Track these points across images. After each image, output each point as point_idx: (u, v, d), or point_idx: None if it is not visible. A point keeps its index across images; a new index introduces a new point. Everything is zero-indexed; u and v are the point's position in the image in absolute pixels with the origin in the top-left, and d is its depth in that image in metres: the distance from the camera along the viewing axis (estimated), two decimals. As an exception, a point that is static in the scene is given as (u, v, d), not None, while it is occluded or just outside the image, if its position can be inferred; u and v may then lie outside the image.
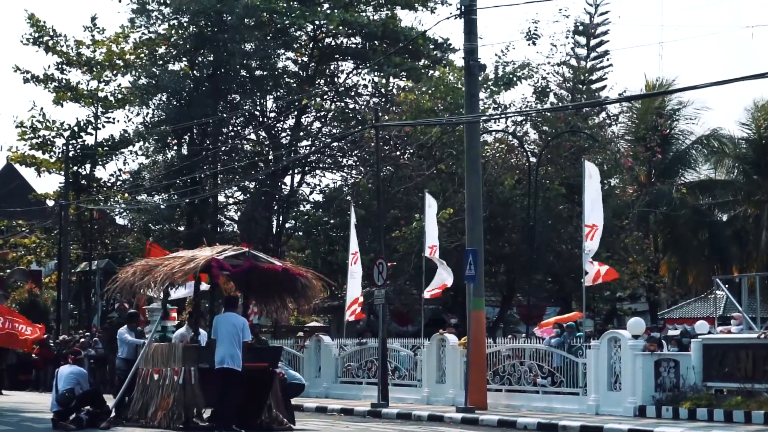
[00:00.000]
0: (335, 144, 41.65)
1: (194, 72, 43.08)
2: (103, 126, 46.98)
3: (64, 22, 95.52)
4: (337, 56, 43.68)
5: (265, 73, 42.08)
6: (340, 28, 39.96)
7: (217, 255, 18.60)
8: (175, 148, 44.22)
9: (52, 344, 34.92)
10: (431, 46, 41.12)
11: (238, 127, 44.35)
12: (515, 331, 37.11)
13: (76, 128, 46.44)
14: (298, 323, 47.00)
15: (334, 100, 42.99)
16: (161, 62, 43.41)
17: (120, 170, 46.60)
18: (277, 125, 43.69)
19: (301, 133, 43.08)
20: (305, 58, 43.62)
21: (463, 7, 24.52)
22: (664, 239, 47.89)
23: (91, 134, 46.72)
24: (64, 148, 45.63)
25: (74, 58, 45.98)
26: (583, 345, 23.11)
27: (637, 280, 41.23)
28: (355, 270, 27.86)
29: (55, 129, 46.58)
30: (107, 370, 29.90)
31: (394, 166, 36.18)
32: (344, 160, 42.48)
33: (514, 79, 37.57)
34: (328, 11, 40.38)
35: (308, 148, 43.16)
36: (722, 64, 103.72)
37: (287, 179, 42.93)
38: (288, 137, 43.20)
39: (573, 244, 34.06)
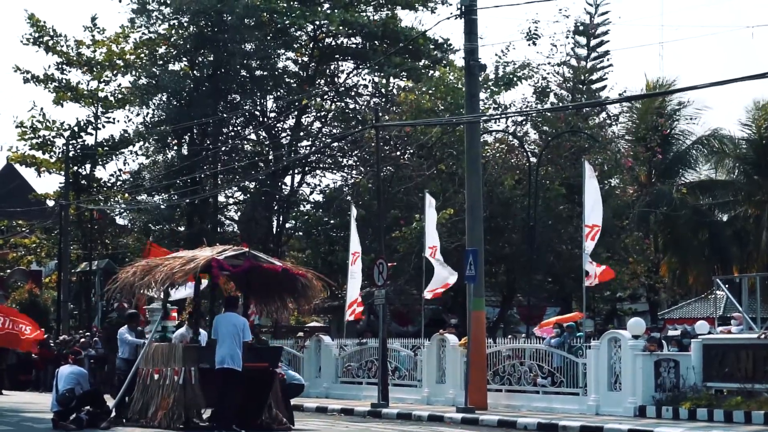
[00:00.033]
0: (335, 144, 41.65)
1: (194, 72, 43.08)
2: (103, 126, 47.01)
3: (64, 22, 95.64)
4: (338, 56, 43.69)
5: (265, 73, 42.08)
6: (341, 28, 39.96)
7: (218, 255, 18.60)
8: (176, 148, 44.23)
9: (52, 344, 34.91)
10: (431, 46, 41.13)
11: (239, 127, 44.36)
12: (515, 332, 37.10)
13: (76, 128, 46.44)
14: (298, 323, 47.02)
15: (335, 100, 42.99)
16: (161, 62, 43.41)
17: (120, 170, 46.64)
18: (278, 125, 43.70)
19: (302, 133, 43.09)
20: (305, 58, 43.62)
21: (463, 7, 24.52)
22: (665, 239, 47.89)
23: (91, 134, 46.75)
24: (64, 148, 45.63)
25: (74, 58, 45.97)
26: (583, 345, 23.12)
27: (637, 280, 41.22)
28: (355, 270, 27.87)
29: (55, 129, 46.59)
30: (106, 370, 29.86)
31: (395, 166, 36.18)
32: (344, 160, 42.48)
33: (515, 79, 37.58)
34: (329, 11, 40.37)
35: (308, 148, 43.17)
36: (722, 64, 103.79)
37: (287, 179, 42.94)
38: (288, 137, 43.20)
39: (573, 245, 34.07)
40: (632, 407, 21.41)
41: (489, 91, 37.03)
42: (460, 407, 22.74)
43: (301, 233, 42.86)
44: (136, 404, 18.81)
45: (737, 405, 20.12)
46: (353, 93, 43.07)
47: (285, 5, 40.18)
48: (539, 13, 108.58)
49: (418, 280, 29.82)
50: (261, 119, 43.47)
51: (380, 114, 32.15)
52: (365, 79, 42.97)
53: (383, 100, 40.96)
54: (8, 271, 51.65)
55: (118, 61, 45.38)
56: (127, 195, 45.83)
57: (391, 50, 39.44)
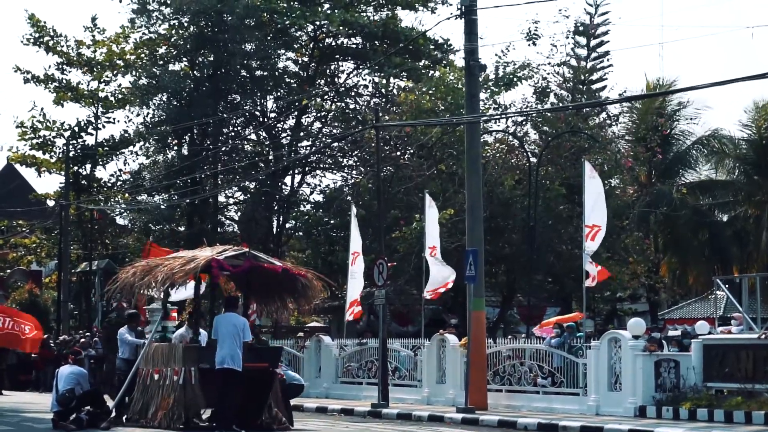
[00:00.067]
0: (335, 144, 41.65)
1: (194, 72, 43.08)
2: (104, 126, 47.02)
3: (65, 22, 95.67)
4: (338, 56, 43.69)
5: (265, 73, 42.08)
6: (341, 28, 39.95)
7: (218, 255, 18.60)
8: (176, 148, 44.24)
9: (52, 344, 34.91)
10: (431, 47, 41.12)
11: (239, 128, 44.36)
12: (515, 332, 37.10)
13: (76, 128, 46.44)
14: (298, 323, 47.02)
15: (335, 100, 42.99)
16: (161, 62, 43.41)
17: (120, 170, 46.64)
18: (278, 125, 43.70)
19: (302, 134, 43.09)
20: (305, 59, 43.63)
21: (463, 8, 24.52)
22: (665, 239, 47.91)
23: (92, 134, 46.76)
24: (65, 148, 45.63)
25: (74, 59, 45.97)
26: (584, 345, 23.11)
27: (637, 280, 41.23)
28: (355, 270, 27.87)
29: (56, 129, 46.59)
30: (104, 370, 29.84)
31: (395, 166, 36.18)
32: (344, 160, 42.48)
33: (515, 79, 37.58)
34: (329, 11, 40.37)
35: (308, 148, 43.18)
36: (723, 64, 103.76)
37: (287, 179, 42.95)
38: (288, 137, 43.20)
39: (573, 245, 34.07)
40: (632, 407, 21.41)
41: (489, 91, 37.03)
42: (461, 407, 22.74)
43: (301, 233, 42.87)
44: (136, 404, 18.81)
45: (737, 405, 20.12)
46: (353, 93, 43.07)
47: (285, 5, 40.18)
48: (539, 13, 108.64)
49: (418, 280, 29.82)
50: (261, 119, 43.48)
51: (380, 114, 32.14)
52: (365, 80, 43.02)
53: (383, 100, 40.96)
54: (8, 271, 51.65)
55: (118, 61, 45.38)
56: (127, 195, 45.83)
57: (391, 50, 39.44)
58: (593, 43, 46.05)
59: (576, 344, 23.63)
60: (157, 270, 18.79)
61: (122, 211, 46.97)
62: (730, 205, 48.62)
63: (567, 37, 42.08)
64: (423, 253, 28.13)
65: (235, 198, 45.69)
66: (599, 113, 40.89)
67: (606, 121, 41.10)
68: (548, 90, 39.44)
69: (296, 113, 42.32)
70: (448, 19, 25.50)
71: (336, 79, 43.83)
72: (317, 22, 41.22)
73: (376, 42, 41.66)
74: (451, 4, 40.80)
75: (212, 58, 42.05)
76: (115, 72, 45.86)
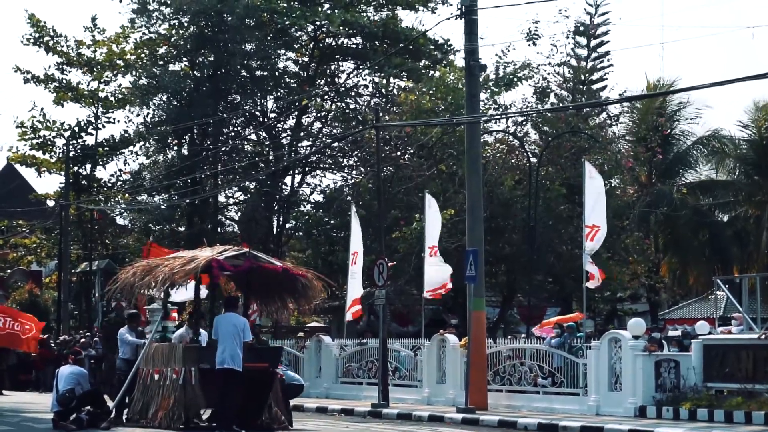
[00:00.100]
0: (336, 144, 41.64)
1: (195, 72, 43.08)
2: (104, 126, 47.04)
3: (65, 22, 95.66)
4: (338, 56, 43.69)
5: (265, 73, 42.08)
6: (341, 28, 39.94)
7: (218, 255, 18.59)
8: (176, 148, 44.24)
9: (52, 344, 34.92)
10: (431, 47, 41.10)
11: (239, 128, 44.36)
12: (515, 332, 37.10)
13: (76, 128, 46.45)
14: (298, 323, 47.01)
15: (335, 100, 42.98)
16: (162, 62, 43.40)
17: (120, 170, 46.65)
18: (278, 125, 43.70)
19: (302, 134, 43.09)
20: (306, 59, 43.62)
21: (463, 8, 24.52)
22: (665, 240, 47.91)
23: (92, 134, 46.77)
24: (65, 148, 45.64)
25: (74, 59, 45.97)
26: (584, 345, 23.11)
27: (637, 280, 41.27)
28: (355, 270, 27.87)
29: (56, 129, 46.60)
30: (103, 369, 29.79)
31: (395, 166, 36.17)
32: (345, 160, 42.47)
33: (515, 79, 37.58)
34: (329, 11, 40.36)
35: (309, 148, 43.17)
36: (723, 64, 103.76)
37: (288, 179, 42.95)
38: (288, 137, 43.20)
39: (573, 245, 34.06)
40: (632, 407, 21.41)
41: (489, 91, 37.03)
42: (461, 407, 22.74)
43: (301, 233, 42.86)
44: (136, 404, 18.80)
45: (738, 405, 20.12)
46: (353, 93, 43.07)
47: (285, 5, 40.18)
48: (539, 13, 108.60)
49: (418, 281, 29.81)
50: (261, 119, 43.47)
51: (380, 114, 32.14)
52: (365, 80, 43.02)
53: (383, 100, 40.96)
54: (8, 271, 51.67)
55: (118, 62, 45.39)
56: (127, 195, 45.83)
57: (391, 51, 39.44)
58: (593, 43, 46.04)
59: (576, 344, 23.63)
60: (158, 270, 18.79)
61: (122, 211, 46.98)
62: (731, 205, 48.63)
63: (567, 37, 42.21)
64: (423, 253, 28.12)
65: (235, 198, 45.73)
66: (599, 113, 40.90)
67: (606, 121, 41.12)
68: (548, 90, 39.47)
69: (296, 113, 42.31)
70: (449, 19, 25.55)
71: (336, 79, 43.84)
72: (317, 22, 41.21)
73: (377, 42, 41.66)
74: (451, 4, 40.85)
75: (212, 58, 42.04)
76: (115, 72, 45.87)
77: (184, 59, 43.39)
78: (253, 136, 44.81)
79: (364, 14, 41.35)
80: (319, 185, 43.43)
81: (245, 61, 41.43)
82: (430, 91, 35.98)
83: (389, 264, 25.65)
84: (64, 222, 43.20)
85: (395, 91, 40.82)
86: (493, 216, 33.57)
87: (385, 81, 41.91)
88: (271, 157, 42.98)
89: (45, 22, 45.68)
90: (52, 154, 46.74)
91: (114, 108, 46.62)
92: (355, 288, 27.87)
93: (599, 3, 45.51)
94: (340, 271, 33.71)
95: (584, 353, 22.80)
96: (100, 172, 47.12)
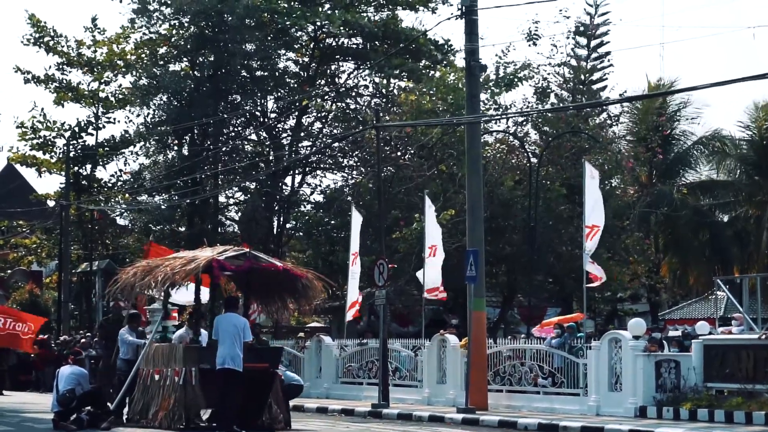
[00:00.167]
0: (336, 144, 41.65)
1: (195, 72, 43.08)
2: (104, 126, 47.05)
3: (65, 22, 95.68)
4: (338, 57, 43.69)
5: (265, 73, 42.08)
6: (341, 28, 39.93)
7: (218, 255, 18.59)
8: (176, 148, 44.23)
9: (52, 345, 34.92)
10: (431, 47, 41.08)
11: (239, 128, 44.36)
12: (516, 332, 37.10)
13: (76, 128, 46.46)
14: (298, 324, 47.01)
15: (335, 100, 42.98)
16: (162, 62, 43.40)
17: (121, 171, 46.65)
18: (278, 126, 43.70)
19: (302, 134, 43.09)
20: (306, 59, 43.62)
21: (464, 8, 24.53)
22: (665, 240, 47.92)
23: (92, 134, 46.78)
24: (65, 148, 45.64)
25: (75, 59, 45.97)
26: (584, 346, 23.10)
27: (638, 280, 41.27)
28: (355, 270, 27.87)
29: (56, 129, 46.60)
30: (99, 370, 29.61)
31: (395, 166, 36.17)
32: (345, 160, 42.47)
33: (515, 80, 37.59)
34: (329, 12, 40.36)
35: (309, 148, 43.17)
36: (723, 64, 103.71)
37: (288, 180, 42.95)
38: (289, 138, 43.20)
39: (574, 245, 34.06)
40: (633, 408, 21.40)
41: (490, 91, 37.03)
42: (461, 408, 22.74)
43: (301, 234, 42.85)
44: (136, 405, 18.81)
45: (738, 405, 20.12)
46: (354, 93, 43.07)
47: (286, 6, 40.17)
48: (539, 13, 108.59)
49: (418, 281, 29.79)
50: (261, 120, 43.47)
51: (381, 114, 32.13)
52: (366, 80, 43.01)
53: (384, 100, 40.96)
54: (9, 271, 51.69)
55: (118, 62, 45.40)
56: (127, 195, 45.82)
57: (391, 51, 39.43)
58: (593, 43, 46.04)
59: (576, 344, 23.61)
60: (158, 270, 18.79)
61: (122, 211, 46.98)
62: (731, 205, 48.63)
63: (567, 38, 42.30)
64: (423, 253, 28.12)
65: (235, 198, 45.73)
66: (600, 113, 40.92)
67: (606, 122, 41.14)
68: (549, 90, 39.50)
69: (297, 113, 42.31)
70: (449, 19, 25.55)
71: (336, 80, 43.84)
72: (318, 23, 41.20)
73: (377, 42, 41.66)
74: (451, 4, 40.84)
75: (213, 59, 42.03)
76: (115, 72, 45.88)
77: (185, 59, 43.39)
78: (254, 137, 44.83)
79: (365, 14, 41.35)
80: (320, 185, 43.51)
81: (245, 62, 41.43)
82: (431, 92, 35.99)
83: (389, 265, 25.65)
84: (65, 222, 43.21)
85: (395, 91, 40.82)
86: (494, 216, 33.57)
87: (385, 81, 41.91)
88: (271, 158, 42.98)
89: (45, 23, 45.71)
90: (53, 154, 46.75)
91: (114, 108, 46.64)
92: (355, 288, 27.87)
93: (599, 3, 45.52)
94: (341, 271, 33.70)
95: (584, 353, 22.79)
96: (101, 173, 47.21)
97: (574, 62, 44.80)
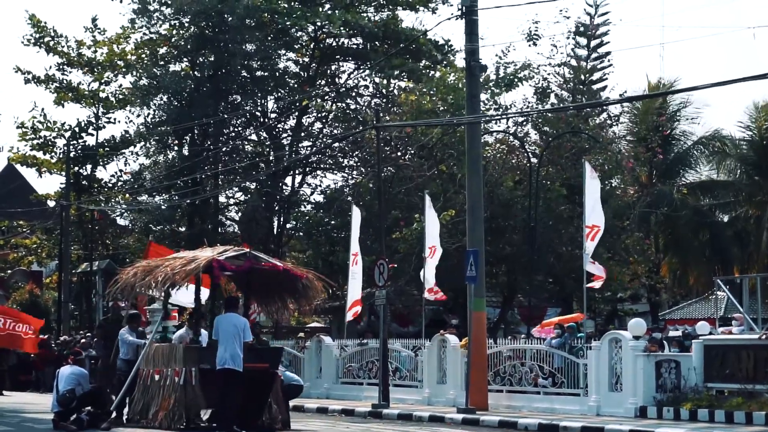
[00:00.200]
0: (336, 145, 41.65)
1: (195, 72, 43.07)
2: (104, 126, 47.05)
3: (65, 22, 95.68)
4: (338, 57, 43.70)
5: (266, 73, 42.07)
6: (341, 29, 39.93)
7: (218, 255, 18.59)
8: (176, 148, 44.23)
9: (53, 345, 34.91)
10: (431, 47, 41.06)
11: (239, 128, 44.35)
12: (516, 332, 37.11)
13: (77, 129, 46.46)
14: (299, 324, 47.01)
15: (335, 100, 42.98)
16: (162, 63, 43.40)
17: (121, 171, 46.65)
18: (278, 126, 43.70)
19: (302, 134, 43.09)
20: (306, 59, 43.62)
21: (464, 8, 24.53)
22: (665, 240, 47.92)
23: (92, 135, 46.78)
24: (65, 148, 45.64)
25: (75, 59, 45.97)
26: (584, 346, 23.10)
27: (638, 280, 41.26)
28: (355, 271, 27.87)
29: (56, 129, 46.61)
30: (97, 372, 29.59)
31: (395, 166, 36.17)
32: (345, 160, 42.48)
33: (515, 80, 37.59)
34: (330, 12, 40.36)
35: (309, 148, 43.18)
36: (723, 64, 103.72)
37: (288, 180, 42.95)
38: (289, 138, 43.20)
39: (574, 245, 34.07)
40: (633, 408, 21.40)
41: (490, 91, 37.04)
42: (461, 408, 22.74)
43: (301, 234, 42.86)
44: (136, 405, 18.80)
45: (738, 406, 20.12)
46: (354, 94, 43.08)
47: (286, 6, 40.18)
48: (539, 13, 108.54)
49: (418, 281, 29.80)
50: (262, 120, 43.47)
51: (381, 115, 32.14)
52: (366, 80, 43.00)
53: (384, 100, 40.96)
54: (9, 271, 51.68)
55: (118, 62, 45.40)
56: (127, 195, 45.82)
57: (391, 51, 39.43)
58: (593, 43, 46.05)
59: (577, 345, 23.60)
60: (158, 270, 18.79)
61: (123, 211, 46.98)
62: (731, 205, 48.63)
63: (567, 38, 42.37)
64: (423, 253, 28.13)
65: (235, 198, 45.72)
66: (600, 114, 40.93)
67: (607, 122, 41.15)
68: (549, 90, 39.51)
69: (297, 114, 42.32)
70: (449, 19, 25.52)
71: (336, 80, 43.85)
72: (318, 23, 41.20)
73: (377, 42, 41.67)
74: (451, 5, 40.86)
75: (213, 59, 42.02)
76: (115, 72, 45.89)
77: (185, 59, 43.38)
78: (254, 137, 44.82)
79: (365, 15, 41.36)
80: (320, 186, 43.51)
81: (246, 62, 41.42)
82: (431, 92, 35.99)
83: (390, 265, 25.66)
84: (65, 222, 43.21)
85: (396, 91, 40.83)
86: (494, 216, 33.58)
87: (385, 81, 41.91)
88: (271, 158, 42.98)
89: (45, 23, 45.71)
90: (53, 154, 46.75)
91: (114, 108, 46.65)
92: (355, 288, 27.88)
93: (599, 3, 45.54)
94: (341, 271, 33.71)
95: (585, 353, 22.79)
96: (101, 173, 47.21)
97: (574, 62, 44.83)
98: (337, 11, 39.96)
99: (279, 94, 43.05)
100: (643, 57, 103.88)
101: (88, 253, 46.04)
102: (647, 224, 43.88)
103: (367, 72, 42.09)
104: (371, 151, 35.80)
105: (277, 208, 42.35)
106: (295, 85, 42.41)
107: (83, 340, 33.93)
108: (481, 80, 28.95)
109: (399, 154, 37.10)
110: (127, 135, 45.57)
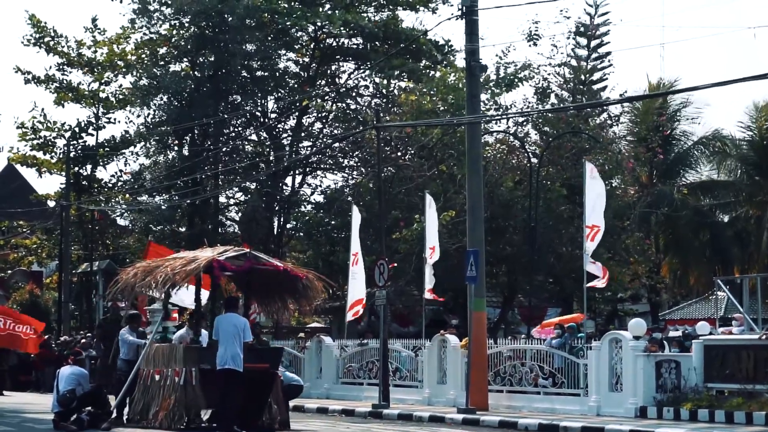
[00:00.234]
0: (336, 145, 41.64)
1: (195, 72, 43.06)
2: (104, 127, 47.07)
3: (65, 22, 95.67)
4: (339, 57, 43.70)
5: (266, 73, 42.06)
6: (342, 29, 39.92)
7: (219, 256, 18.59)
8: (176, 148, 44.22)
9: (53, 345, 34.92)
10: (431, 47, 41.05)
11: (239, 128, 44.35)
12: (516, 332, 37.11)
13: (77, 129, 46.47)
14: (299, 324, 47.01)
15: (335, 100, 42.98)
16: (162, 63, 43.39)
17: (121, 171, 46.66)
18: (278, 126, 43.69)
19: (302, 134, 43.08)
20: (306, 59, 43.62)
21: (464, 8, 24.53)
22: (666, 240, 47.92)
23: (92, 135, 46.79)
24: (65, 148, 45.65)
25: (75, 59, 45.98)
26: (585, 346, 23.10)
27: (638, 281, 41.26)
28: (356, 271, 27.87)
29: (56, 130, 46.61)
30: (97, 370, 29.58)
31: (395, 167, 36.17)
32: (345, 160, 42.48)
33: (516, 80, 37.59)
34: (330, 12, 40.36)
35: (309, 148, 43.18)
36: (724, 64, 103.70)
37: (288, 180, 42.94)
38: (289, 138, 43.20)
39: (574, 245, 34.07)
40: (633, 408, 21.40)
41: (490, 92, 37.03)
42: (461, 408, 22.74)
43: (302, 234, 42.86)
44: (137, 405, 18.81)
45: (738, 406, 20.12)
46: (354, 94, 43.08)
47: (286, 6, 40.17)
48: (540, 14, 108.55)
49: (418, 281, 29.81)
50: (262, 120, 43.46)
51: (381, 115, 32.14)
52: (366, 80, 43.00)
53: (384, 100, 40.95)
54: (9, 271, 51.67)
55: (119, 62, 45.40)
56: (128, 196, 45.82)
57: (392, 51, 39.42)
58: (594, 43, 46.03)
59: (577, 345, 23.60)
60: (158, 271, 18.78)
61: (123, 211, 46.99)
62: (731, 205, 48.63)
63: (567, 38, 42.39)
64: (423, 254, 28.13)
65: (235, 199, 45.71)
66: (600, 114, 40.92)
67: (607, 122, 41.14)
68: (549, 90, 39.51)
69: (297, 114, 42.31)
70: (449, 19, 25.52)
71: (337, 80, 43.85)
72: (318, 23, 41.19)
73: (377, 43, 41.66)
74: (452, 5, 40.83)
75: (213, 59, 42.01)
76: (115, 72, 45.89)
77: (185, 60, 43.37)
78: (254, 137, 44.80)
79: (365, 15, 41.35)
80: (320, 186, 43.51)
81: (246, 62, 41.41)
82: (431, 92, 35.99)
83: (390, 265, 25.65)
84: (65, 222, 43.21)
85: (396, 91, 40.82)
86: (494, 216, 33.57)
87: (385, 81, 41.90)
88: (271, 158, 42.98)
89: (45, 23, 45.72)
90: (53, 154, 46.76)
91: (114, 108, 46.65)
92: (356, 288, 27.87)
93: (599, 3, 45.52)
94: (341, 271, 33.70)
95: (585, 354, 22.79)
96: (101, 173, 47.22)
97: (574, 62, 44.82)
98: (337, 11, 39.96)
99: (279, 94, 43.05)
100: (643, 57, 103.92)
101: (88, 253, 46.04)
102: (647, 224, 43.88)
103: (367, 72, 42.09)
104: (371, 151, 35.80)
105: (277, 208, 42.35)
106: (295, 85, 42.41)
107: (83, 341, 33.95)
108: (481, 80, 28.94)
109: (399, 154, 37.09)
110: (127, 135, 45.57)
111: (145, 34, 43.78)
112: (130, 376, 19.15)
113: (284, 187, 42.66)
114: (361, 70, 42.75)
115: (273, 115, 43.64)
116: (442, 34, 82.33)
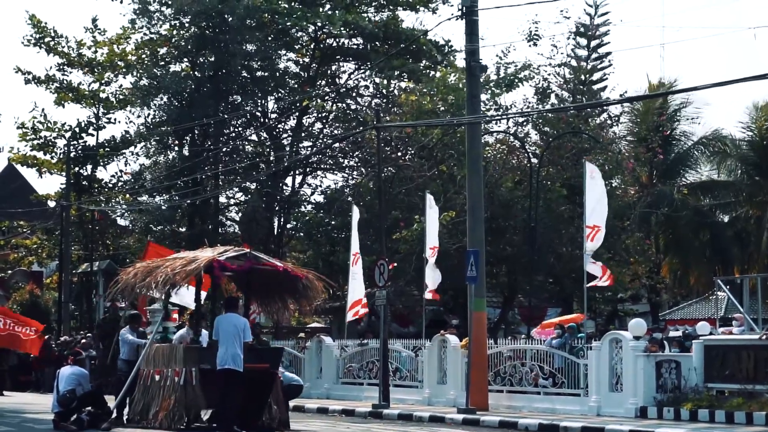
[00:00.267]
0: (336, 145, 41.65)
1: (195, 73, 43.05)
2: (104, 127, 46.96)
3: (66, 23, 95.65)
4: (339, 57, 43.70)
5: (266, 74, 42.05)
6: (342, 29, 39.92)
7: (219, 256, 18.59)
8: (177, 148, 44.20)
9: (53, 345, 34.91)
10: (432, 48, 41.05)
11: (240, 128, 44.35)
12: (516, 332, 37.11)
13: (77, 129, 46.43)
14: (299, 324, 47.02)
15: (336, 101, 42.98)
16: (162, 63, 43.38)
17: (121, 171, 46.61)
18: (279, 126, 43.69)
19: (303, 134, 43.08)
20: (306, 59, 43.62)
21: (464, 8, 24.53)
22: (666, 240, 47.92)
23: (93, 135, 46.73)
24: (66, 148, 45.62)
25: (75, 59, 45.94)
26: (585, 346, 23.11)
27: (638, 281, 41.25)
28: (356, 271, 27.87)
29: (57, 130, 46.57)
30: (97, 371, 29.61)
31: (396, 167, 36.18)
32: (345, 161, 42.49)
33: (516, 80, 37.58)
34: (330, 12, 40.36)
35: (309, 149, 43.18)
36: (724, 65, 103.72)
37: (288, 180, 42.94)
38: (289, 138, 43.20)
39: (574, 246, 34.07)
40: (633, 408, 21.41)
41: (490, 92, 37.03)
42: (461, 408, 22.75)
43: (302, 234, 42.86)
44: (137, 405, 18.80)
45: (738, 406, 20.12)
46: (354, 94, 43.08)
47: (286, 6, 40.18)
48: (540, 14, 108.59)
49: (419, 281, 29.82)
50: (262, 120, 43.46)
51: (381, 115, 32.14)
52: (366, 80, 42.99)
53: (384, 101, 40.95)
54: (9, 271, 51.66)
55: (119, 62, 45.37)
56: (128, 196, 45.80)
57: (392, 51, 39.42)
58: (594, 43, 46.05)
59: (577, 345, 23.62)
60: (158, 271, 18.77)
61: (123, 211, 46.97)
62: (732, 205, 48.63)
63: (568, 38, 42.43)
64: (424, 254, 28.13)
65: (236, 199, 45.70)
66: (600, 114, 40.93)
67: (607, 122, 41.16)
68: (549, 91, 39.49)
69: (297, 114, 42.31)
70: (449, 19, 25.53)
71: (337, 80, 43.84)
72: (318, 23, 41.18)
73: (377, 43, 41.66)
74: (452, 5, 40.84)
75: (213, 59, 42.00)
76: (116, 73, 45.85)
77: (185, 60, 43.36)
78: (254, 137, 44.79)
79: (365, 15, 41.36)
80: (320, 186, 43.51)
81: (246, 62, 41.41)
82: (431, 92, 35.99)
83: (390, 265, 25.65)
84: (65, 223, 43.19)
85: (396, 91, 40.82)
86: (494, 217, 33.57)
87: (385, 82, 41.89)
88: (271, 158, 42.97)
89: (46, 23, 45.67)
90: (53, 154, 46.72)
91: (115, 109, 46.62)
92: (356, 289, 27.89)
93: (599, 3, 45.54)
94: (341, 271, 33.71)
95: (585, 354, 22.80)
96: (101, 173, 47.15)
97: (574, 62, 44.84)
98: (337, 11, 39.96)
99: (279, 94, 43.05)
100: (643, 57, 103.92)
101: (88, 253, 46.02)
102: (648, 224, 43.88)
103: (368, 72, 42.09)
104: (371, 151, 35.80)
105: (277, 208, 42.35)
106: (296, 86, 42.41)
107: (83, 341, 33.95)
108: (481, 80, 28.95)
109: (399, 154, 37.09)
110: (128, 135, 45.55)
111: (145, 34, 43.79)
112: (130, 376, 19.16)
113: (284, 188, 42.66)
114: (361, 71, 42.76)
115: (273, 116, 43.64)
116: (442, 34, 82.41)
